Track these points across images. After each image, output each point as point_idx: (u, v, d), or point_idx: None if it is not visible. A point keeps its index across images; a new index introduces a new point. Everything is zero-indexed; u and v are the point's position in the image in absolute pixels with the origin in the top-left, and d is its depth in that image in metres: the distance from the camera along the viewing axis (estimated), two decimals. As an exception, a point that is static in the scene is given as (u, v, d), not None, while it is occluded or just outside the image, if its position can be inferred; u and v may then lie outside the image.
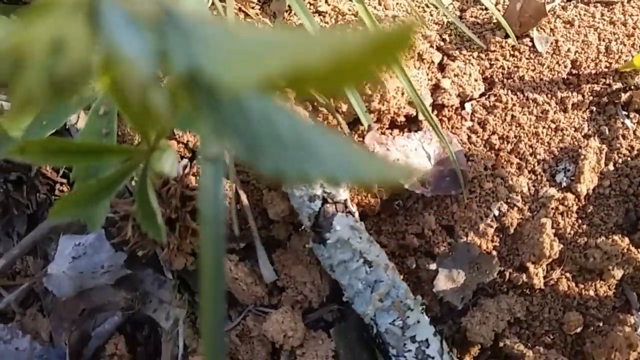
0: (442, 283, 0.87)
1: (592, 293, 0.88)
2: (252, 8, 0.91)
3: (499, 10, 0.94)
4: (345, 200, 0.81)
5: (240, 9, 0.90)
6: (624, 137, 0.90)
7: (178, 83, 0.22)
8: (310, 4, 0.92)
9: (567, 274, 0.88)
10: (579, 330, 0.87)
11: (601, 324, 0.87)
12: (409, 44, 0.18)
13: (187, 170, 0.83)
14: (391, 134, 0.90)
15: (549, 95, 0.91)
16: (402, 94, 0.86)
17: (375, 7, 0.92)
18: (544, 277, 0.87)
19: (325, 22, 0.90)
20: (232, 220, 0.85)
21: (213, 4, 0.85)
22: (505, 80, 0.91)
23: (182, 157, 0.88)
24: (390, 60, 0.19)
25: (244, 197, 0.86)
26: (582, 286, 0.87)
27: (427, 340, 0.79)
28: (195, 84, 0.22)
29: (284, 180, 0.84)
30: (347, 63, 0.18)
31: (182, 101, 0.24)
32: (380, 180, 0.24)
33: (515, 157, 0.89)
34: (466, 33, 0.90)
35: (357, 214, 0.83)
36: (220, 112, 0.24)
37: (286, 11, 0.92)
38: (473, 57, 0.92)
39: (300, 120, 0.25)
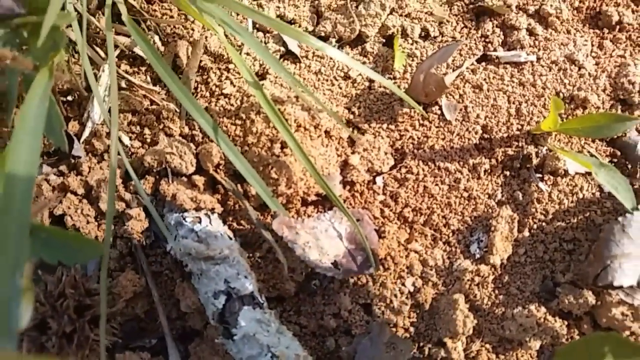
0: (361, 363, 0.86)
1: (513, 363, 0.87)
2: (158, 94, 0.90)
3: (406, 78, 0.93)
4: (252, 292, 0.80)
5: (144, 96, 0.89)
6: (538, 201, 0.89)
7: None
8: (216, 86, 0.91)
9: (487, 345, 0.87)
10: (502, 401, 0.86)
11: (524, 394, 0.86)
12: None
13: (91, 273, 0.82)
14: (305, 212, 0.89)
15: (461, 163, 0.90)
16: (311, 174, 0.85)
17: (282, 85, 0.91)
18: (464, 350, 0.86)
19: (230, 105, 0.89)
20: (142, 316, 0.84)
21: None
22: (415, 150, 0.90)
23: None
24: None
25: (154, 291, 0.85)
26: (502, 357, 0.87)
27: None
28: None
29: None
30: None
31: None
32: None
33: (429, 229, 0.88)
34: (374, 105, 0.89)
35: (265, 305, 0.82)
36: None
37: (194, 93, 0.91)
38: (382, 129, 0.91)
39: None
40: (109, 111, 0.88)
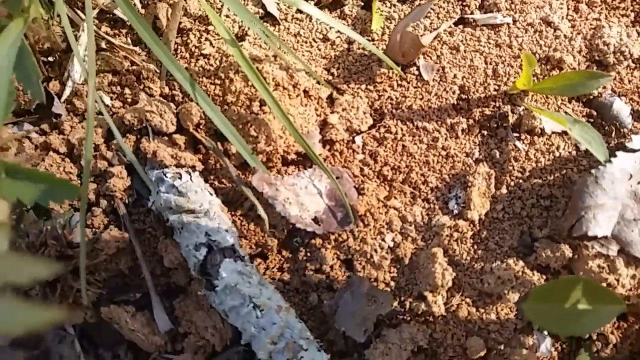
0: (343, 317, 0.87)
1: (493, 317, 0.88)
2: (138, 55, 0.91)
3: (384, 40, 0.94)
4: (233, 245, 0.81)
5: (125, 57, 0.90)
6: (515, 159, 0.91)
7: None
8: (195, 47, 0.92)
9: (467, 299, 0.88)
10: (482, 354, 0.87)
11: (503, 347, 0.87)
12: None
13: (73, 226, 0.83)
14: (285, 171, 0.90)
15: (439, 123, 0.91)
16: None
17: (260, 46, 0.92)
18: (445, 304, 0.88)
19: (210, 65, 0.90)
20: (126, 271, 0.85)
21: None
22: (394, 110, 0.91)
23: (75, 210, 0.87)
24: None
25: (137, 247, 0.86)
26: (482, 310, 0.88)
27: (322, 379, 0.79)
28: None
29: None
30: None
31: None
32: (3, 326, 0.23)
33: (408, 186, 0.90)
34: (353, 66, 0.90)
35: (247, 257, 0.83)
36: None
37: (173, 53, 0.92)
38: (361, 90, 0.92)
39: None
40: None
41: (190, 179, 0.84)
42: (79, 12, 0.90)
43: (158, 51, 0.74)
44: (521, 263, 0.86)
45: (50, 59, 0.88)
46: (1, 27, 0.67)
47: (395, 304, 0.87)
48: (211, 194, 0.85)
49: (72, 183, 0.62)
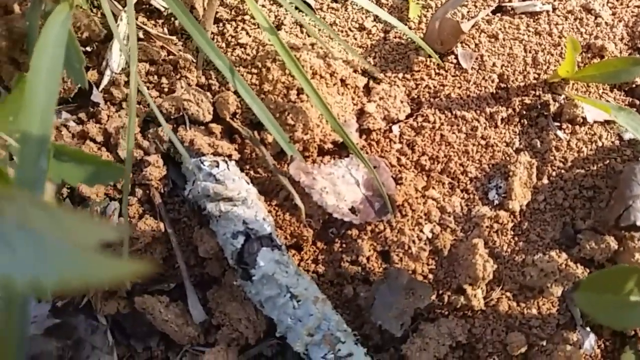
0: (379, 311, 0.85)
1: (534, 311, 0.86)
2: (175, 45, 0.91)
3: (422, 29, 0.93)
4: (270, 234, 0.80)
5: (162, 47, 0.90)
6: (557, 149, 0.89)
7: None
8: (232, 36, 0.91)
9: (508, 293, 0.86)
10: (523, 350, 0.85)
11: (545, 343, 0.85)
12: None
13: (109, 214, 0.82)
14: (322, 160, 0.88)
15: (478, 112, 0.89)
16: (327, 121, 0.86)
17: (297, 35, 0.92)
18: (484, 298, 0.85)
19: (247, 54, 0.90)
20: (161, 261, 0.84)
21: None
22: (432, 99, 0.90)
23: (110, 200, 0.87)
24: None
25: (173, 237, 0.85)
26: (523, 305, 0.85)
27: (359, 372, 0.77)
28: None
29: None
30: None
31: None
32: (88, 279, 0.22)
33: (447, 176, 0.88)
34: (389, 55, 0.89)
35: (284, 247, 0.81)
36: None
37: (209, 45, 0.92)
38: (398, 79, 0.91)
39: (6, 219, 0.24)
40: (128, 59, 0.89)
41: (227, 168, 0.83)
42: (115, 3, 0.90)
43: (198, 37, 0.74)
44: (564, 255, 0.84)
45: (88, 48, 0.89)
46: (47, 12, 0.67)
47: (433, 297, 0.85)
48: (248, 183, 0.84)
49: (117, 165, 0.61)
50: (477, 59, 0.91)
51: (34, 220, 0.23)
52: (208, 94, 0.88)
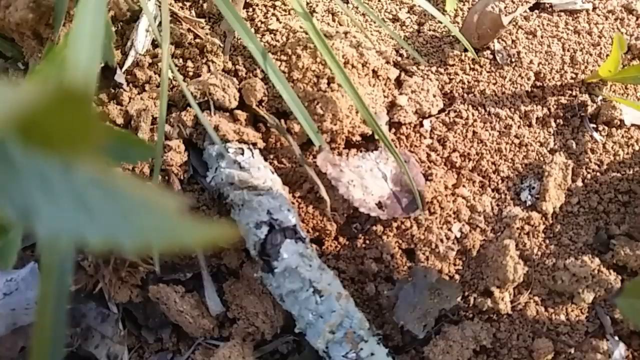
0: (402, 310, 0.82)
1: (562, 317, 0.83)
2: (202, 28, 0.88)
3: (457, 22, 0.90)
4: (295, 225, 0.77)
5: (189, 30, 0.87)
6: (592, 151, 0.86)
7: None
8: (262, 22, 0.89)
9: (536, 298, 0.83)
10: (549, 357, 0.82)
11: (573, 351, 0.82)
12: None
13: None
14: (347, 153, 0.86)
15: (512, 110, 0.86)
16: (357, 112, 0.83)
17: (328, 24, 0.89)
18: (511, 302, 0.82)
19: (276, 41, 0.87)
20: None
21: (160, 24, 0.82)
22: (465, 95, 0.87)
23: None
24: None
25: (192, 224, 0.82)
26: (552, 310, 0.82)
27: (382, 373, 0.74)
28: None
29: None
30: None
31: None
32: (171, 242, 0.20)
33: (478, 175, 0.85)
34: (423, 48, 0.86)
35: (308, 240, 0.78)
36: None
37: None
38: (431, 72, 0.88)
39: (82, 177, 0.21)
40: (153, 42, 0.86)
41: (252, 156, 0.80)
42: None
43: (230, 17, 0.71)
44: (597, 261, 0.81)
45: (113, 28, 0.86)
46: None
47: (459, 299, 0.82)
48: (272, 172, 0.81)
49: (149, 143, 0.59)
50: (513, 55, 0.88)
51: (108, 180, 0.20)
52: (234, 79, 0.85)
